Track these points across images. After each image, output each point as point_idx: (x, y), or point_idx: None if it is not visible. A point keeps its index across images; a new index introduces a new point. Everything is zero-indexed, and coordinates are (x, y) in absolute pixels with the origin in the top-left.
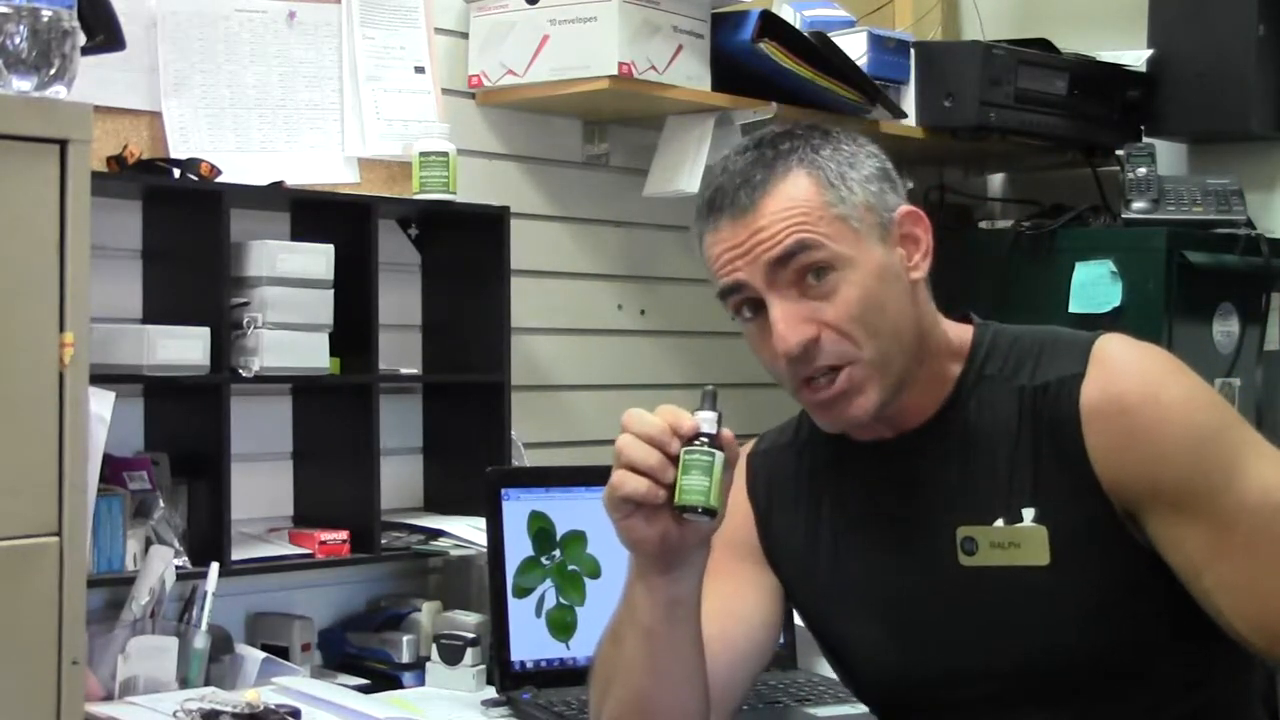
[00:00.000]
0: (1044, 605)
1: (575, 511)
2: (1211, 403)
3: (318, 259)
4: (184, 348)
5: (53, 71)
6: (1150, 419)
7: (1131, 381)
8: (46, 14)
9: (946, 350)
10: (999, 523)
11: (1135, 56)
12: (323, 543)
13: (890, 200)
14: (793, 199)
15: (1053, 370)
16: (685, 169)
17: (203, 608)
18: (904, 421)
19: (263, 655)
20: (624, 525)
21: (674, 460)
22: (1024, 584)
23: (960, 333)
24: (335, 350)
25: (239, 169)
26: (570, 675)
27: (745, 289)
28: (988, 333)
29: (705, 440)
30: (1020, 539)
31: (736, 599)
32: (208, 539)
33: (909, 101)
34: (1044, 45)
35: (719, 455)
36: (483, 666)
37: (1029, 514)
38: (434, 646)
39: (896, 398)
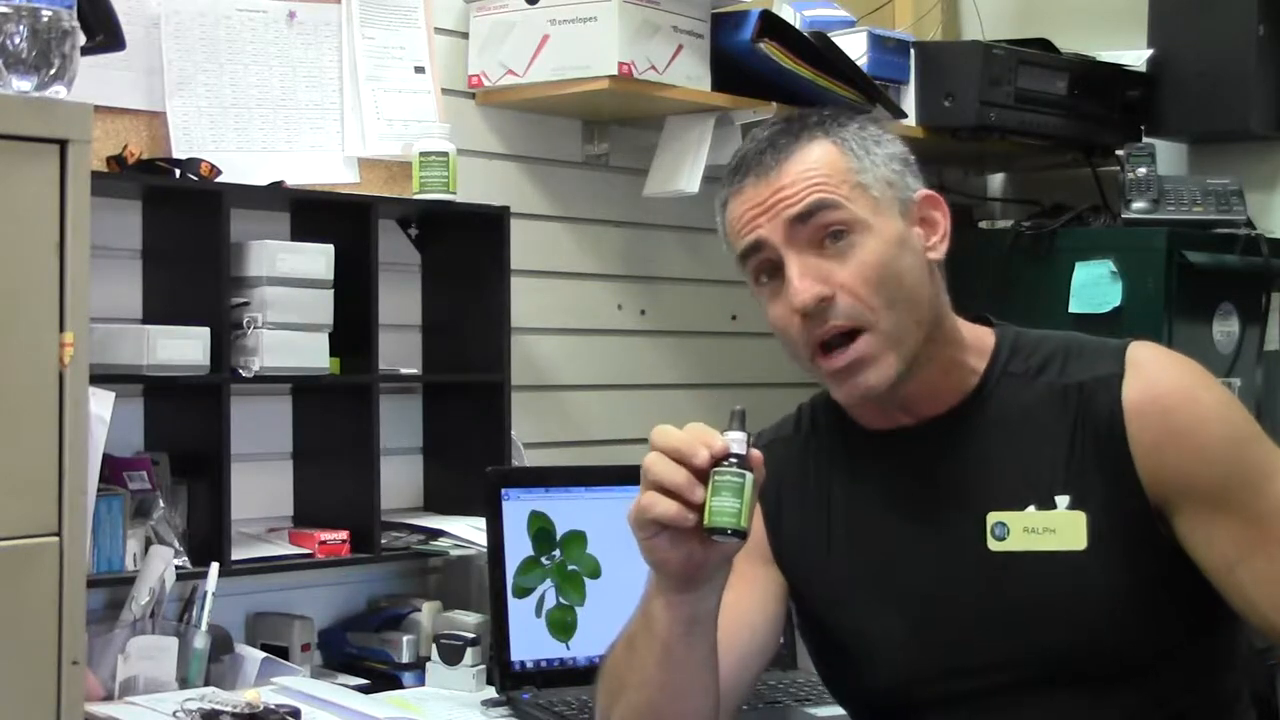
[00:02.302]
0: (1076, 590)
1: (575, 511)
2: (1240, 408)
3: (318, 259)
4: (184, 348)
5: (53, 71)
6: (1191, 419)
7: (1171, 384)
8: (46, 14)
9: (963, 342)
10: (1030, 508)
11: (1135, 56)
12: (323, 543)
13: (910, 182)
14: (816, 162)
15: (1085, 371)
16: (685, 169)
17: (203, 608)
18: (924, 409)
19: (263, 655)
20: (649, 545)
21: (703, 479)
22: (1057, 569)
23: (979, 332)
24: (335, 350)
25: (239, 169)
26: (570, 675)
27: (765, 248)
28: (1009, 333)
29: (735, 461)
30: (1056, 524)
31: (740, 600)
32: (208, 539)
33: (909, 101)
34: (1044, 45)
35: (749, 476)
36: (483, 666)
37: (1063, 501)
38: (434, 646)
39: (912, 375)
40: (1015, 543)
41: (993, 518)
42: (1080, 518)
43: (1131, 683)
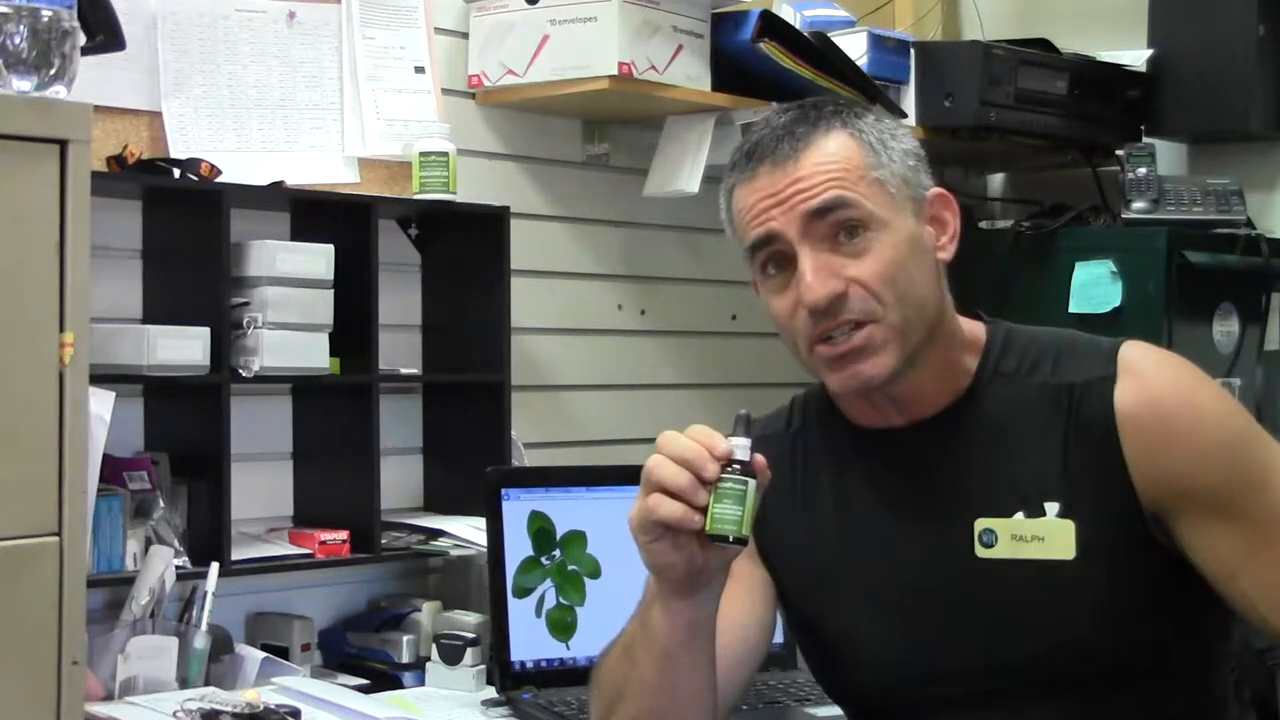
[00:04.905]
0: (1064, 599)
1: (575, 511)
2: (1237, 408)
3: (318, 259)
4: (184, 348)
5: (53, 71)
6: (1187, 423)
7: (1165, 387)
8: (46, 14)
9: (960, 341)
10: (1018, 515)
11: (1135, 56)
12: (323, 543)
13: (923, 179)
14: (835, 155)
15: (1077, 372)
16: (685, 169)
17: (203, 608)
18: (916, 409)
19: (263, 655)
20: (651, 548)
21: (707, 485)
22: (1045, 577)
23: (973, 329)
24: (335, 350)
25: (239, 169)
26: (570, 675)
27: (777, 240)
28: (1001, 330)
29: (738, 467)
30: (1045, 532)
31: (732, 601)
32: (208, 539)
33: (909, 101)
34: (1044, 45)
35: (752, 483)
36: (483, 666)
37: (1052, 509)
38: (434, 646)
39: (908, 371)
40: (1003, 550)
41: (981, 524)
42: (1069, 526)
43: (1121, 689)
